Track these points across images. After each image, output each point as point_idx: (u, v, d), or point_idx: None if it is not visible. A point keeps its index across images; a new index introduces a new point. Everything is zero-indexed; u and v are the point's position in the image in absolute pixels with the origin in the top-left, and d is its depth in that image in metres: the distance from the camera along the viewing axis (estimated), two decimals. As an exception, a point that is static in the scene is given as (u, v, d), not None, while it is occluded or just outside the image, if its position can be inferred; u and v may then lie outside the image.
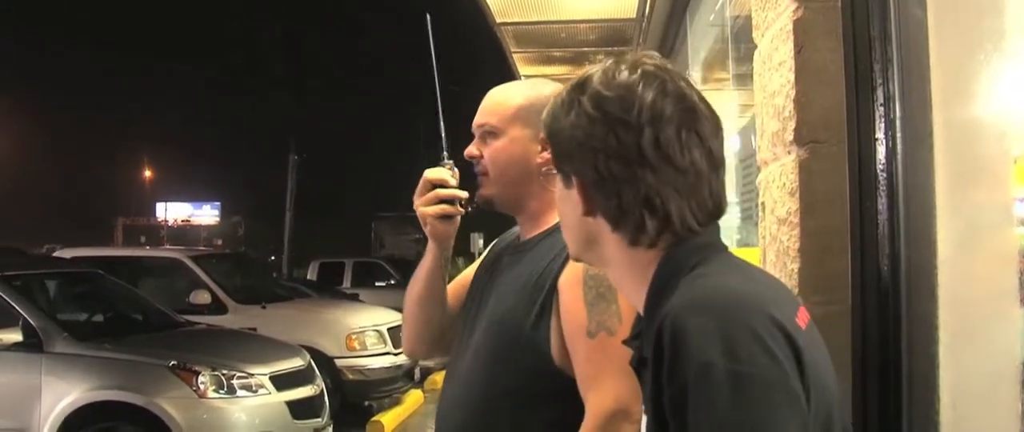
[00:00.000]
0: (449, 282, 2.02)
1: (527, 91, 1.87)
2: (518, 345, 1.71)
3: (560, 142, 1.21)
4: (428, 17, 2.09)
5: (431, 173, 1.89)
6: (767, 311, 1.02)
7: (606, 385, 1.58)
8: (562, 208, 1.26)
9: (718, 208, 1.19)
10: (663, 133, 1.14)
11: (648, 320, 1.14)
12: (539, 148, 1.82)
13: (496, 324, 1.77)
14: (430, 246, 1.94)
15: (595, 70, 1.21)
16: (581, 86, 1.20)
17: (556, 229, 1.80)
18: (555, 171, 1.24)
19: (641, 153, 1.14)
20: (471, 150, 1.87)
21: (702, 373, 0.96)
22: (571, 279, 1.68)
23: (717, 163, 1.18)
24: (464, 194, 1.89)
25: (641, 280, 1.17)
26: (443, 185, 1.89)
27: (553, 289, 1.70)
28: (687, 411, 0.96)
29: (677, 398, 0.98)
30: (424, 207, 1.89)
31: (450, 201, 1.89)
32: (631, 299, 1.23)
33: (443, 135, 1.98)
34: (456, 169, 1.91)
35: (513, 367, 1.72)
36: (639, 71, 1.18)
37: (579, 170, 1.18)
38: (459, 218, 1.92)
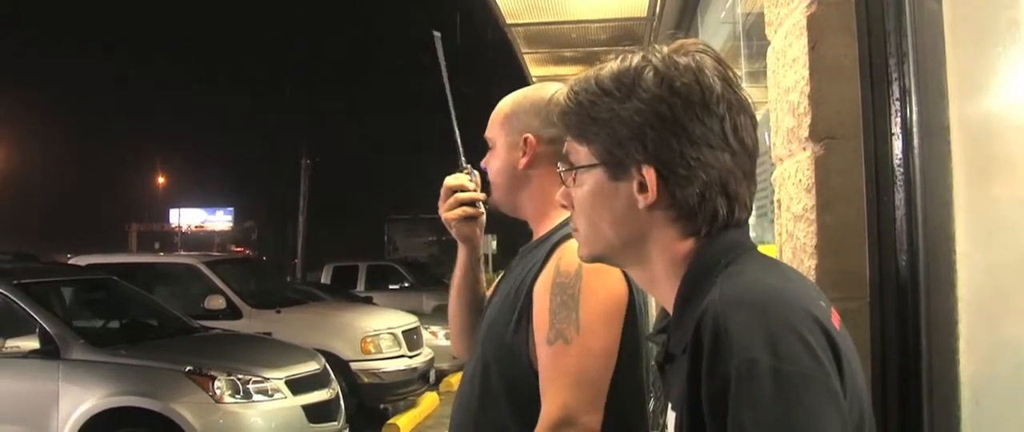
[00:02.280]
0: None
1: (516, 98, 1.91)
2: (502, 352, 1.75)
3: (616, 131, 1.15)
4: (436, 35, 2.12)
5: (449, 180, 1.96)
6: (808, 310, 1.02)
7: (556, 393, 1.61)
8: (599, 205, 1.20)
9: (754, 196, 1.19)
10: (737, 118, 1.14)
11: (680, 316, 1.13)
12: (520, 153, 1.83)
13: (487, 330, 1.82)
14: (460, 247, 2.00)
15: (635, 59, 1.18)
16: (635, 71, 1.16)
17: (546, 238, 1.81)
18: (579, 167, 1.20)
19: (725, 138, 1.14)
20: (483, 162, 1.94)
21: (746, 369, 0.95)
22: (543, 285, 1.70)
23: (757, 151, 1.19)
24: (482, 196, 1.95)
25: (675, 277, 1.16)
26: (462, 190, 1.94)
27: (529, 296, 1.72)
28: (728, 408, 0.95)
29: (718, 395, 0.97)
30: (446, 212, 1.95)
31: (470, 203, 1.94)
32: (662, 297, 1.20)
33: (459, 141, 2.03)
34: (475, 173, 1.96)
35: (498, 373, 1.75)
36: (693, 57, 1.16)
37: (653, 157, 1.14)
38: (484, 218, 1.98)
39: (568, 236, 1.73)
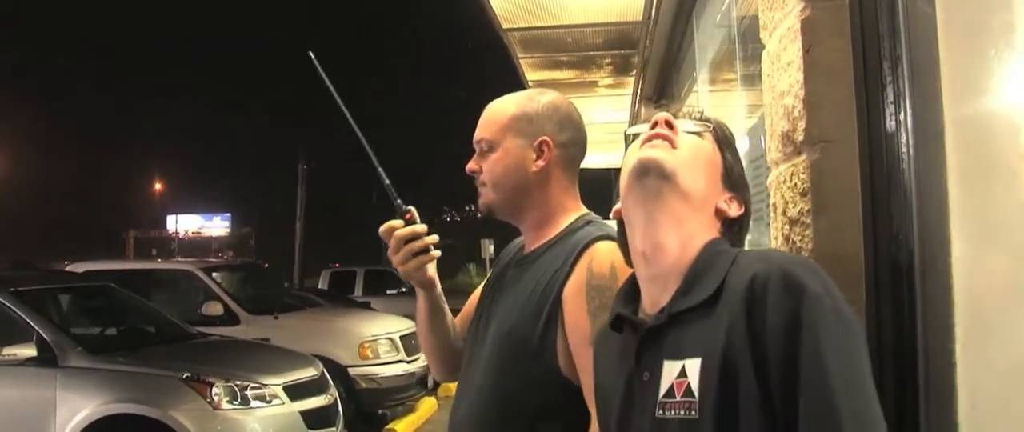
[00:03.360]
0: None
1: (520, 101, 1.89)
2: (526, 357, 1.73)
3: (739, 168, 1.46)
4: (311, 55, 2.02)
5: (401, 233, 1.89)
6: None
7: None
8: (709, 170, 1.40)
9: None
10: None
11: (692, 282, 1.29)
12: (534, 156, 1.83)
13: (503, 337, 1.78)
14: (421, 292, 1.97)
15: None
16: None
17: (559, 239, 1.81)
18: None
19: None
20: (470, 165, 1.90)
21: (818, 302, 1.14)
22: (575, 289, 1.69)
23: None
24: (435, 238, 1.91)
25: (685, 253, 1.32)
26: (414, 237, 1.89)
27: (558, 300, 1.71)
28: (802, 331, 1.12)
29: (787, 324, 1.14)
30: (404, 266, 1.90)
31: (425, 249, 1.90)
32: (658, 268, 1.34)
33: (387, 183, 1.96)
34: (413, 209, 1.91)
35: (521, 379, 1.73)
36: None
37: (745, 204, 1.44)
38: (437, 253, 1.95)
39: (593, 239, 1.73)
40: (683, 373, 1.23)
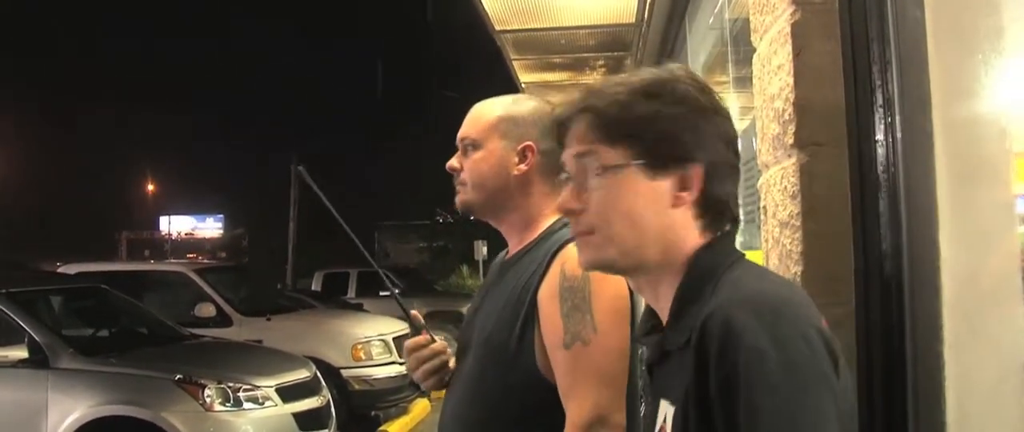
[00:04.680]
0: None
1: (507, 104, 1.91)
2: (504, 363, 1.75)
3: (664, 129, 1.19)
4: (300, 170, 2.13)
5: (417, 355, 1.95)
6: (808, 316, 1.09)
7: (584, 394, 1.61)
8: (627, 203, 1.20)
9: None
10: (733, 129, 1.24)
11: (679, 314, 1.18)
12: (516, 159, 1.84)
13: (483, 344, 1.81)
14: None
15: (658, 71, 1.23)
16: (671, 78, 1.21)
17: (536, 243, 1.82)
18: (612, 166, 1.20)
19: (736, 146, 1.22)
20: (451, 163, 1.91)
21: (756, 357, 1.01)
22: (549, 292, 1.71)
23: None
24: (449, 356, 1.96)
25: (675, 277, 1.20)
26: (432, 356, 1.95)
27: (533, 303, 1.72)
28: (739, 391, 1.01)
29: (727, 380, 1.03)
30: (424, 383, 1.95)
31: (444, 365, 1.95)
32: (656, 298, 1.25)
33: (396, 291, 2.06)
34: (417, 314, 1.98)
35: (502, 383, 1.75)
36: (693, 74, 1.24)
37: (704, 155, 1.19)
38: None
39: (566, 241, 1.74)
40: (665, 418, 1.19)
